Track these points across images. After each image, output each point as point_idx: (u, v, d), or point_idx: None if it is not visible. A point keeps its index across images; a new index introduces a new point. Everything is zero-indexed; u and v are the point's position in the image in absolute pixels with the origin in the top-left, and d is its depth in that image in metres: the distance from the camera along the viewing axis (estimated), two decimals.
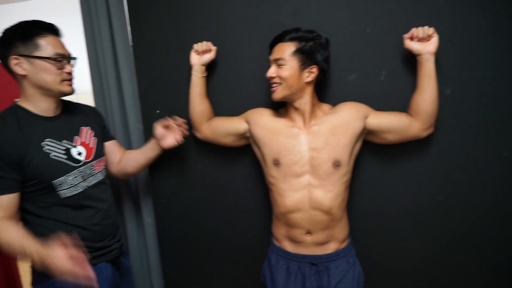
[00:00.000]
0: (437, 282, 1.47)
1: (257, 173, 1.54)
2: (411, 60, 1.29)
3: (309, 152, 1.26)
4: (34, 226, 1.20)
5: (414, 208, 1.43)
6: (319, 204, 1.25)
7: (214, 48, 1.43)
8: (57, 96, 1.25)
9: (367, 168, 1.44)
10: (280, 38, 1.25)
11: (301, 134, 1.28)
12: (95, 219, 1.28)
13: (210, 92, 1.50)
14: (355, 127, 1.26)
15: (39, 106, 1.22)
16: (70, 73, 1.23)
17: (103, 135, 1.43)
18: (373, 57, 1.36)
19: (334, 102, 1.36)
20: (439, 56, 1.26)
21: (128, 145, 1.65)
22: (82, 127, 1.32)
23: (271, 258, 1.39)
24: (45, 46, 1.17)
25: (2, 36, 1.17)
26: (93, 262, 1.26)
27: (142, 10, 1.53)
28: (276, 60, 1.23)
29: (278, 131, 1.30)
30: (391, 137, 1.29)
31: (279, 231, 1.37)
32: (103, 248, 1.30)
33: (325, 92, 1.41)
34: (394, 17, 1.32)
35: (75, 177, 1.23)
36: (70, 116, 1.31)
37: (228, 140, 1.43)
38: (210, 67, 1.48)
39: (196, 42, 1.43)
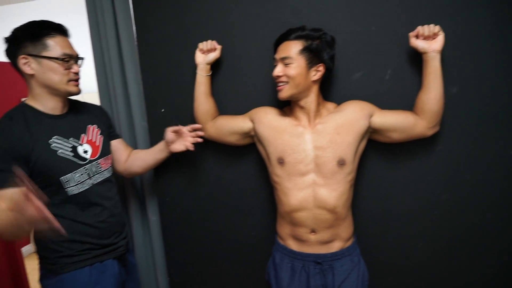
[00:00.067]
0: (443, 281, 1.46)
1: (261, 171, 1.54)
2: (417, 59, 1.29)
3: (313, 150, 1.26)
4: None
5: (419, 207, 1.43)
6: (324, 203, 1.25)
7: (219, 47, 1.44)
8: (63, 96, 1.26)
9: (372, 166, 1.44)
10: (285, 37, 1.25)
11: (305, 132, 1.28)
12: (102, 217, 1.29)
13: (215, 91, 1.51)
14: (360, 125, 1.26)
15: (46, 104, 1.23)
16: (77, 73, 1.25)
17: (109, 134, 1.44)
18: (378, 55, 1.36)
19: (339, 101, 1.36)
20: (445, 54, 1.25)
21: (133, 143, 1.66)
22: (89, 126, 1.34)
23: (275, 257, 1.39)
24: (53, 46, 1.18)
25: (11, 35, 1.18)
26: (100, 259, 1.28)
27: (147, 9, 1.54)
28: (283, 58, 1.23)
29: (283, 129, 1.30)
30: (396, 136, 1.29)
31: (283, 229, 1.37)
32: (110, 245, 1.32)
33: (330, 90, 1.41)
34: (399, 15, 1.32)
35: (81, 174, 1.24)
36: (77, 115, 1.33)
37: (232, 139, 1.44)
38: (215, 66, 1.48)
39: (201, 41, 1.44)
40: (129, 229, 1.73)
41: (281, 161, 1.29)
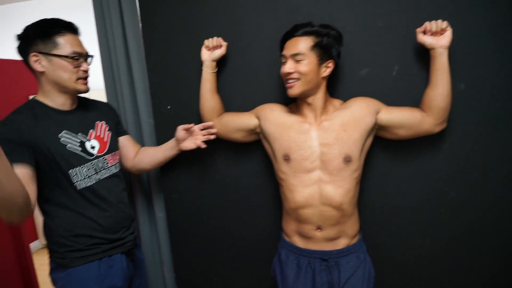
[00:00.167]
0: (449, 278, 1.45)
1: (267, 168, 1.54)
2: (424, 55, 1.28)
3: (319, 147, 1.25)
4: (52, 217, 1.24)
5: (426, 204, 1.42)
6: (330, 199, 1.25)
7: (224, 43, 1.44)
8: (72, 93, 1.28)
9: (378, 163, 1.43)
10: (293, 33, 1.23)
11: (311, 129, 1.27)
12: (109, 211, 1.30)
13: (221, 88, 1.51)
14: (366, 122, 1.25)
15: (56, 101, 1.26)
16: (86, 72, 1.27)
17: (117, 130, 1.46)
18: (385, 51, 1.35)
19: (345, 98, 1.35)
20: (453, 50, 1.24)
21: (140, 140, 1.67)
22: (97, 122, 1.36)
23: (281, 254, 1.39)
24: (64, 44, 1.20)
25: (23, 33, 1.21)
26: (109, 253, 1.30)
27: (153, 6, 1.55)
28: (294, 55, 1.21)
29: (289, 126, 1.30)
30: (402, 133, 1.28)
31: (289, 226, 1.37)
32: (118, 240, 1.33)
33: (337, 87, 1.40)
34: (406, 11, 1.30)
35: (88, 169, 1.26)
36: (86, 111, 1.35)
37: (238, 136, 1.44)
38: (220, 63, 1.48)
39: (206, 38, 1.44)
40: (136, 225, 1.75)
41: (286, 158, 1.28)
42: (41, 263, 3.11)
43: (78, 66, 1.24)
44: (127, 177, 1.69)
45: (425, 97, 1.25)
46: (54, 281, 1.29)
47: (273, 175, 1.44)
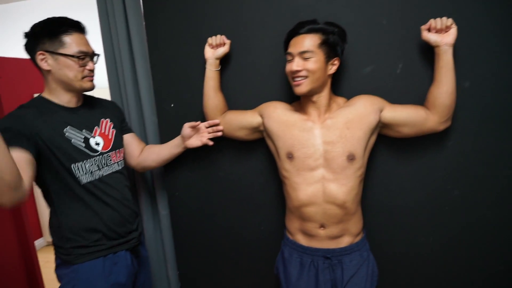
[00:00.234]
0: (453, 277, 1.45)
1: (270, 166, 1.54)
2: (428, 52, 1.27)
3: (323, 145, 1.25)
4: (57, 212, 1.26)
5: (429, 203, 1.41)
6: (333, 198, 1.25)
7: (228, 41, 1.44)
8: (78, 92, 1.30)
9: (382, 161, 1.43)
10: (299, 30, 1.22)
11: (315, 127, 1.27)
12: (113, 206, 1.32)
13: (224, 86, 1.51)
14: (370, 120, 1.25)
15: (61, 98, 1.28)
16: (91, 71, 1.29)
17: (122, 128, 1.48)
18: (389, 49, 1.34)
19: (349, 95, 1.35)
20: (457, 47, 1.23)
21: (143, 138, 1.68)
22: (102, 119, 1.37)
23: (284, 251, 1.39)
24: (70, 43, 1.21)
25: (30, 31, 1.22)
26: (113, 250, 1.31)
27: (157, 4, 1.55)
28: (303, 52, 1.20)
29: (292, 124, 1.29)
30: (406, 131, 1.27)
31: (292, 224, 1.37)
32: (122, 237, 1.34)
33: (340, 85, 1.40)
34: (411, 9, 1.30)
35: (91, 165, 1.28)
36: (91, 109, 1.37)
37: (242, 134, 1.44)
38: (224, 61, 1.48)
39: (210, 36, 1.44)
40: (140, 222, 1.76)
41: (290, 156, 1.28)
42: (46, 261, 3.13)
43: (83, 65, 1.25)
44: (131, 175, 1.70)
45: (429, 95, 1.25)
46: (59, 277, 1.31)
47: (276, 173, 1.44)
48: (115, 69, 1.69)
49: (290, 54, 1.24)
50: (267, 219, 1.61)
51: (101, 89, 2.15)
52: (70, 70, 1.22)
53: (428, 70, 1.30)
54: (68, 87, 1.26)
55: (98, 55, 1.32)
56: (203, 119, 1.52)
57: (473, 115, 1.31)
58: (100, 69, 1.71)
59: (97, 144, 1.32)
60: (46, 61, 1.21)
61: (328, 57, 1.22)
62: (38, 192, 3.62)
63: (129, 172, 1.53)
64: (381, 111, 1.26)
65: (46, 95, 1.27)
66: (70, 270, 1.26)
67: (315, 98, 1.27)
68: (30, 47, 1.22)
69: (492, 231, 1.38)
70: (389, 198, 1.45)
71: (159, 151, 1.52)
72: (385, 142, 1.39)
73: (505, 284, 1.40)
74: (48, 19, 1.23)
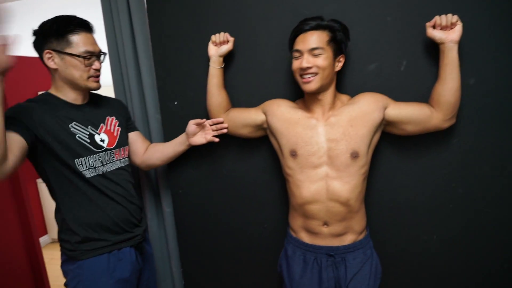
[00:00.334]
0: (457, 275, 1.44)
1: (274, 164, 1.54)
2: (432, 49, 1.26)
3: (326, 143, 1.25)
4: (62, 206, 1.27)
5: (434, 200, 1.41)
6: (337, 195, 1.25)
7: (231, 39, 1.43)
8: (83, 90, 1.32)
9: (386, 159, 1.42)
10: (307, 27, 1.21)
11: (318, 125, 1.27)
12: (116, 201, 1.33)
13: (228, 83, 1.51)
14: (374, 118, 1.24)
15: (68, 95, 1.29)
16: (97, 70, 1.30)
17: (127, 126, 1.49)
18: (394, 46, 1.33)
19: (353, 93, 1.34)
20: (462, 44, 1.22)
21: (147, 135, 1.68)
22: (108, 117, 1.39)
23: (287, 249, 1.39)
24: (76, 43, 1.23)
25: (39, 29, 1.23)
26: (118, 246, 1.32)
27: (161, 2, 1.55)
28: (313, 49, 1.19)
29: (296, 122, 1.29)
30: (411, 128, 1.27)
31: (296, 222, 1.37)
32: (127, 233, 1.35)
33: (344, 82, 1.39)
34: (415, 5, 1.29)
35: (95, 160, 1.29)
36: (97, 106, 1.38)
37: (245, 131, 1.44)
38: (227, 58, 1.48)
39: (213, 33, 1.44)
40: (145, 218, 1.76)
41: (293, 154, 1.28)
42: (51, 257, 3.15)
43: (89, 65, 1.26)
44: (135, 173, 1.70)
45: (434, 92, 1.24)
46: (65, 273, 1.32)
47: (280, 171, 1.44)
48: (119, 67, 1.70)
49: (298, 51, 1.23)
50: (270, 217, 1.61)
51: (105, 87, 2.16)
52: (76, 70, 1.24)
53: (432, 67, 1.29)
54: (74, 85, 1.28)
55: (105, 53, 1.33)
56: (207, 116, 1.52)
57: (478, 112, 1.31)
58: (104, 67, 1.72)
59: (102, 140, 1.33)
60: (53, 60, 1.23)
61: (335, 54, 1.22)
62: (42, 189, 3.64)
63: (133, 169, 1.54)
64: (385, 108, 1.26)
65: (53, 91, 1.29)
66: (75, 266, 1.27)
67: (321, 95, 1.26)
68: (38, 45, 1.24)
69: (496, 229, 1.37)
70: (393, 196, 1.45)
71: (163, 149, 1.52)
72: (389, 139, 1.38)
73: (510, 282, 1.40)
74: (57, 17, 1.24)
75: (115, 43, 1.67)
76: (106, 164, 1.32)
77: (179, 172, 1.69)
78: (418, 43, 1.30)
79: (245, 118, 1.42)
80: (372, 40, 1.35)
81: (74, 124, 1.26)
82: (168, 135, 1.64)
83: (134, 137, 1.51)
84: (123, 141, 1.42)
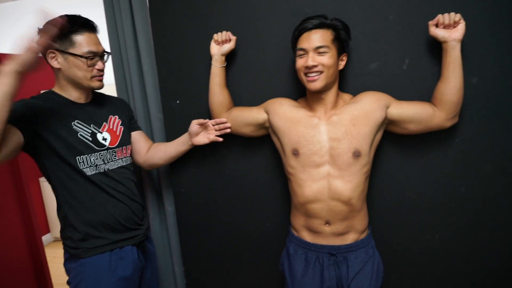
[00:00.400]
0: (459, 274, 1.44)
1: (276, 163, 1.54)
2: (435, 48, 1.26)
3: (328, 142, 1.25)
4: (64, 203, 1.28)
5: (436, 200, 1.41)
6: (339, 194, 1.25)
7: (233, 38, 1.43)
8: (87, 90, 1.33)
9: (388, 158, 1.42)
10: (310, 26, 1.20)
11: (321, 124, 1.27)
12: (117, 199, 1.33)
13: (230, 82, 1.51)
14: (376, 117, 1.24)
15: (71, 94, 1.30)
16: (101, 70, 1.30)
17: (130, 125, 1.49)
18: (396, 45, 1.33)
19: (355, 92, 1.34)
20: (465, 43, 1.22)
21: (149, 134, 1.69)
22: (110, 116, 1.39)
23: (289, 248, 1.39)
24: (79, 43, 1.23)
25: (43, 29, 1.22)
26: (120, 245, 1.33)
27: (163, 1, 1.55)
28: (318, 47, 1.19)
29: (298, 121, 1.29)
30: (413, 127, 1.26)
31: (297, 221, 1.37)
32: (129, 231, 1.36)
33: (346, 81, 1.39)
34: (417, 4, 1.28)
35: (96, 158, 1.29)
36: (100, 105, 1.39)
37: (247, 130, 1.44)
38: (229, 57, 1.48)
39: (215, 32, 1.43)
40: (147, 217, 1.77)
41: (295, 153, 1.28)
42: (53, 256, 3.16)
43: (92, 65, 1.27)
44: (138, 172, 1.70)
45: (436, 91, 1.24)
46: (67, 271, 1.33)
47: (281, 170, 1.44)
48: (121, 66, 1.70)
49: (303, 49, 1.23)
50: (272, 216, 1.61)
51: (107, 86, 2.17)
52: (79, 70, 1.25)
53: (434, 66, 1.29)
54: (77, 85, 1.28)
55: (109, 53, 1.34)
56: (209, 115, 1.52)
57: (480, 111, 1.30)
58: (106, 66, 1.72)
59: (104, 139, 1.33)
60: (56, 60, 1.23)
61: (339, 53, 1.23)
62: (45, 188, 3.65)
63: (135, 168, 1.54)
64: (387, 107, 1.26)
65: (56, 90, 1.30)
66: (77, 264, 1.28)
67: (324, 94, 1.26)
68: None
69: (498, 228, 1.37)
70: (395, 195, 1.44)
71: (166, 149, 1.53)
72: (391, 139, 1.38)
73: None
74: (61, 17, 1.23)
75: (117, 42, 1.67)
76: (108, 162, 1.33)
77: (181, 171, 1.69)
78: (420, 42, 1.30)
79: (247, 117, 1.42)
80: (374, 38, 1.35)
81: (77, 122, 1.27)
82: (170, 134, 1.64)
83: (137, 137, 1.51)
84: (125, 140, 1.42)
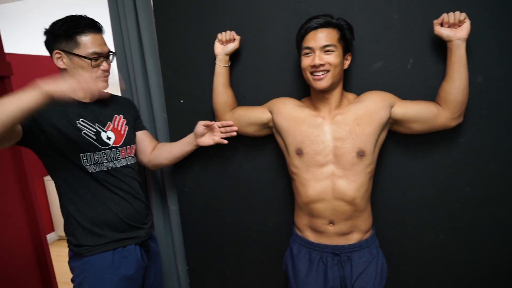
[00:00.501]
0: (464, 275, 1.44)
1: (279, 162, 1.54)
2: (439, 47, 1.25)
3: (332, 141, 1.24)
4: (67, 200, 1.29)
5: (440, 200, 1.40)
6: (343, 194, 1.24)
7: (238, 37, 1.43)
8: None
9: (392, 158, 1.42)
10: (316, 25, 1.20)
11: (324, 123, 1.26)
12: (121, 197, 1.34)
13: (234, 82, 1.51)
14: (381, 116, 1.24)
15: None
16: (105, 71, 1.31)
17: (135, 125, 1.50)
18: (400, 44, 1.33)
19: (359, 91, 1.34)
20: (470, 42, 1.21)
21: (154, 133, 1.69)
22: (115, 115, 1.40)
23: (293, 248, 1.39)
24: (84, 44, 1.24)
25: (49, 29, 1.25)
26: (123, 244, 1.33)
27: (167, 1, 1.55)
28: (326, 46, 1.19)
29: (302, 120, 1.29)
30: (417, 127, 1.26)
31: (301, 220, 1.36)
32: (132, 230, 1.36)
33: (350, 80, 1.39)
34: (422, 3, 1.28)
35: (100, 157, 1.30)
36: (105, 104, 1.39)
37: (251, 130, 1.44)
38: (233, 57, 1.48)
39: (220, 32, 1.44)
40: (150, 216, 1.77)
41: (299, 152, 1.28)
42: (58, 254, 3.18)
43: (97, 66, 1.27)
44: (142, 171, 1.71)
45: (441, 90, 1.23)
46: (71, 269, 1.34)
47: (285, 169, 1.44)
48: (125, 65, 1.70)
49: (309, 48, 1.22)
50: (275, 215, 1.61)
51: (111, 86, 2.18)
52: (83, 71, 1.25)
53: (439, 65, 1.28)
54: None
55: (114, 53, 1.34)
56: (213, 115, 1.52)
57: (485, 111, 1.30)
58: (111, 65, 1.73)
59: (109, 138, 1.34)
60: (62, 60, 1.25)
61: (344, 53, 1.23)
62: (49, 187, 3.67)
63: (139, 168, 1.55)
64: (391, 107, 1.25)
65: None
66: (81, 263, 1.29)
67: (329, 94, 1.26)
68: (49, 44, 1.26)
69: (504, 228, 1.36)
70: (399, 195, 1.44)
71: (171, 149, 1.53)
72: (395, 138, 1.37)
73: None
74: (67, 17, 1.25)
75: (122, 42, 1.68)
76: (112, 161, 1.33)
77: (185, 171, 1.69)
78: (425, 41, 1.29)
79: (251, 117, 1.42)
80: (379, 38, 1.34)
81: (81, 121, 1.27)
82: (174, 134, 1.65)
83: (142, 136, 1.52)
84: (130, 140, 1.42)
